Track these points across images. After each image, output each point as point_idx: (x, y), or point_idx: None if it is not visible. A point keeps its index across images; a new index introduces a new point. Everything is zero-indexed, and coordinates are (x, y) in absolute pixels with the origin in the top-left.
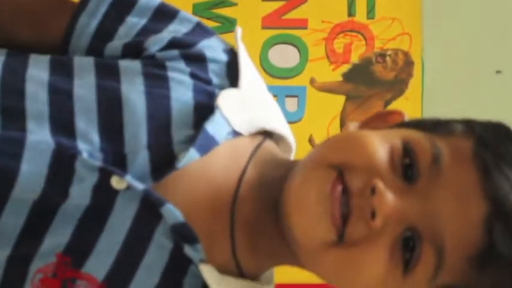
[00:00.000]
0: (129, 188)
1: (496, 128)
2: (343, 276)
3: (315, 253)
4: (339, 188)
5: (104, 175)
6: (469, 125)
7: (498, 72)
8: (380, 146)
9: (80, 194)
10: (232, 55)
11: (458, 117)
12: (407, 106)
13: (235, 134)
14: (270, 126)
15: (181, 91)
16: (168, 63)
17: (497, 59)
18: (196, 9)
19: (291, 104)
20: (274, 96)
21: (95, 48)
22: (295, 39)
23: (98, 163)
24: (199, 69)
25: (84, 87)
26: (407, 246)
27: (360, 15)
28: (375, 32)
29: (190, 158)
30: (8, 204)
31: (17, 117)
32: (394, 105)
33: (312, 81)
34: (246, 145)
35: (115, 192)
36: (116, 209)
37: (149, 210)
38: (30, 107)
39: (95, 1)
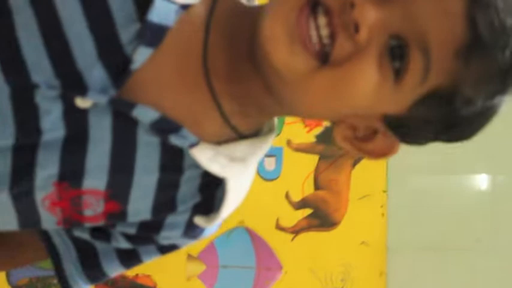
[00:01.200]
0: (95, 104)
1: None
2: (334, 97)
3: (302, 83)
4: (305, 10)
5: (67, 100)
6: None
7: None
8: None
9: (52, 125)
10: None
11: None
12: (373, 164)
13: (185, 7)
14: None
15: None
16: None
17: None
18: None
19: (270, 163)
20: None
21: None
22: None
23: (57, 91)
24: None
25: (21, 13)
26: (395, 55)
27: None
28: None
29: (143, 55)
30: None
31: None
32: (362, 164)
33: (288, 143)
34: (200, 9)
35: (84, 112)
36: (92, 126)
37: (123, 117)
38: None
39: None
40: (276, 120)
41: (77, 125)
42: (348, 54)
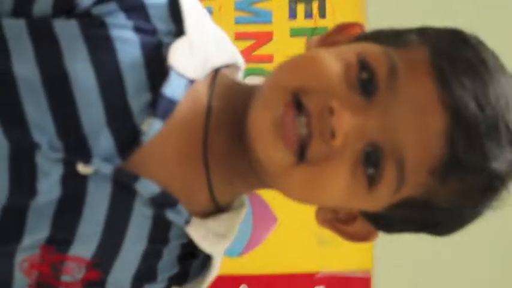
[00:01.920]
0: (97, 172)
1: (451, 34)
2: (309, 193)
3: (280, 175)
4: (291, 111)
5: (69, 164)
6: (424, 34)
7: None
8: (334, 64)
9: (49, 188)
10: None
11: (413, 27)
12: None
13: (191, 81)
14: (221, 61)
15: (129, 51)
16: (108, 20)
17: None
18: None
19: None
20: None
21: (21, 8)
22: (264, 71)
23: (60, 154)
24: (141, 18)
25: (24, 64)
26: (370, 162)
27: None
28: None
29: (155, 129)
30: None
31: None
32: None
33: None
34: (202, 86)
35: (84, 178)
36: (89, 193)
37: (123, 188)
38: None
39: None
40: (245, 197)
41: (74, 190)
42: (323, 156)
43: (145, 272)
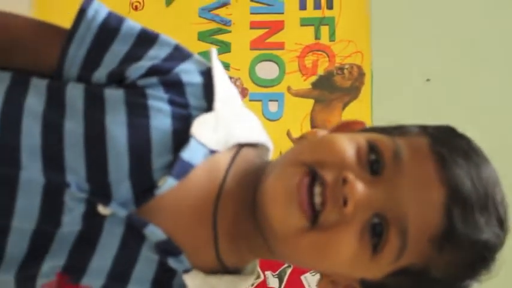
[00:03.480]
0: (113, 214)
1: (445, 128)
2: (318, 258)
3: (291, 240)
4: (306, 179)
5: (91, 204)
6: (422, 127)
7: (428, 80)
8: (348, 145)
9: (71, 222)
10: (208, 76)
11: (412, 123)
12: (360, 107)
13: (212, 152)
14: (245, 138)
15: (160, 119)
16: (148, 91)
17: (427, 69)
18: (201, 36)
19: (273, 106)
20: (260, 100)
21: (84, 76)
22: (275, 57)
23: (85, 195)
24: (177, 94)
25: (74, 119)
26: (375, 232)
27: (324, 39)
28: (336, 51)
29: (168, 185)
30: (10, 235)
31: (12, 151)
32: (351, 106)
33: (289, 89)
34: (223, 158)
35: (102, 218)
36: (104, 231)
37: (134, 231)
38: (24, 141)
39: (81, 31)
40: (257, 264)
41: (92, 227)
42: (334, 222)
43: None
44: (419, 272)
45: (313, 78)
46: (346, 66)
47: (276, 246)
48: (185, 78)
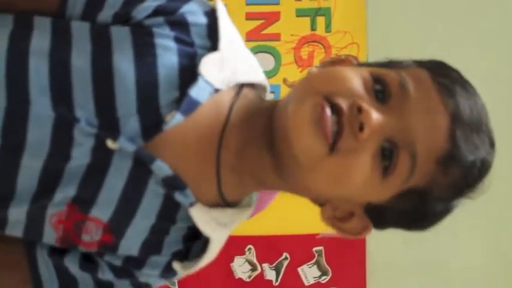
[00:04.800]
0: (122, 148)
1: (438, 62)
2: (335, 182)
3: (311, 165)
4: (327, 109)
5: (100, 139)
6: (417, 62)
7: None
8: (356, 76)
9: (80, 155)
10: (212, 16)
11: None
12: None
13: (216, 90)
14: (247, 78)
15: (167, 57)
16: (155, 30)
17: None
18: None
19: (269, 98)
20: None
21: (88, 16)
22: (271, 48)
23: (94, 130)
24: (183, 33)
25: (81, 57)
26: (386, 156)
27: (320, 30)
28: (332, 43)
29: (176, 120)
30: (21, 170)
31: (20, 88)
32: None
33: (284, 81)
34: (226, 96)
35: (111, 152)
36: (112, 165)
37: (141, 166)
38: (32, 78)
39: None
40: (253, 197)
41: (101, 160)
42: (350, 148)
43: (153, 243)
44: (422, 192)
45: (309, 69)
46: (342, 58)
47: (297, 174)
48: (190, 18)
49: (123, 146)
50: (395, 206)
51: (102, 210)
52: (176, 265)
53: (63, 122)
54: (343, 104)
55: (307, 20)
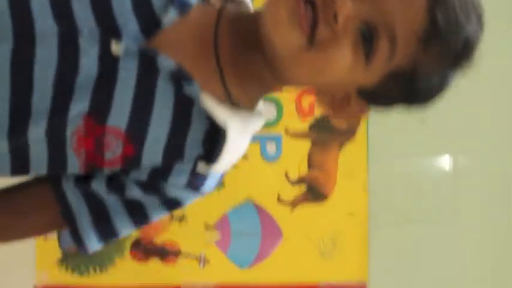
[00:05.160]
0: (126, 51)
1: None
2: (318, 72)
3: (293, 59)
4: (301, 3)
5: (104, 43)
6: None
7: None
8: None
9: (88, 64)
10: None
11: None
12: (355, 147)
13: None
14: None
15: None
16: None
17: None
18: None
19: (271, 147)
20: (258, 141)
21: None
22: (273, 98)
23: (97, 35)
24: None
25: None
26: (366, 42)
27: None
28: None
29: (171, 17)
30: (34, 84)
31: (22, 8)
32: (346, 147)
33: (286, 131)
34: (213, 9)
35: (117, 58)
36: (120, 70)
37: (148, 63)
38: (38, 28)
39: None
40: (262, 109)
41: (108, 68)
42: (329, 38)
43: (174, 149)
44: (409, 72)
45: (310, 120)
46: None
47: (280, 69)
48: None
49: (127, 46)
50: (386, 87)
51: (118, 117)
52: (201, 166)
53: (68, 33)
54: None
55: None
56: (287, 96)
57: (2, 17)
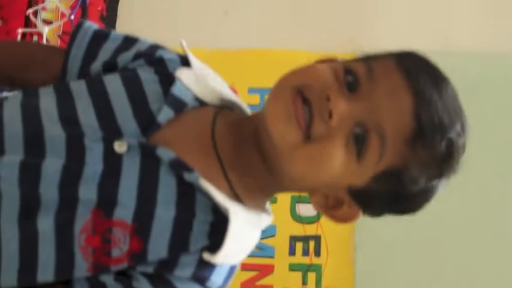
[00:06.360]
0: (129, 148)
1: (408, 51)
2: (312, 167)
3: (290, 153)
4: (299, 100)
5: (108, 142)
6: (390, 53)
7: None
8: (327, 69)
9: (94, 161)
10: (184, 56)
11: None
12: None
13: (199, 101)
14: (226, 95)
15: (148, 75)
16: (138, 69)
17: None
18: None
19: None
20: None
21: (83, 71)
22: None
23: (101, 135)
24: (160, 66)
25: (82, 100)
26: (358, 140)
27: (311, 284)
28: None
29: (166, 113)
30: (42, 179)
31: (35, 117)
32: None
33: None
34: (209, 109)
35: (120, 156)
36: (124, 165)
37: (149, 155)
38: (44, 115)
39: (80, 36)
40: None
41: (113, 164)
42: (323, 134)
43: (179, 240)
44: (398, 172)
45: None
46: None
47: (278, 164)
48: (166, 56)
49: (128, 141)
50: (376, 188)
51: (125, 209)
52: (206, 255)
53: (74, 136)
54: (312, 94)
55: (299, 275)
56: None
57: (14, 126)
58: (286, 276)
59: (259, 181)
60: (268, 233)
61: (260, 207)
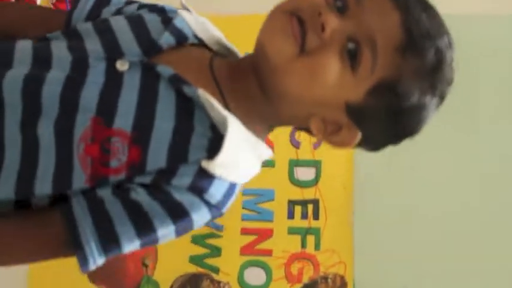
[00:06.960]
0: (130, 66)
1: None
2: (307, 81)
3: (285, 66)
4: (295, 19)
5: (110, 61)
6: None
7: None
8: None
9: (96, 74)
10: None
11: None
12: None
13: (197, 39)
14: (224, 41)
15: (151, 17)
16: (141, 11)
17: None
18: (194, 240)
19: None
20: None
21: (92, 14)
22: (262, 263)
23: (104, 57)
24: (162, 12)
25: (90, 39)
26: (351, 54)
27: (310, 248)
28: (320, 261)
29: (167, 38)
30: (44, 86)
31: (44, 62)
32: None
33: None
34: (207, 50)
35: (121, 73)
36: (125, 79)
37: (149, 72)
38: (55, 56)
39: None
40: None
41: (114, 79)
42: (317, 47)
43: (178, 150)
44: (392, 84)
45: (299, 286)
46: (330, 276)
47: (273, 82)
48: (167, 7)
49: (130, 60)
50: (372, 104)
51: (124, 119)
52: (205, 162)
53: (79, 57)
54: (307, 14)
55: (298, 238)
56: (276, 261)
57: (25, 49)
58: (285, 240)
59: (256, 109)
60: (266, 197)
61: (259, 137)
